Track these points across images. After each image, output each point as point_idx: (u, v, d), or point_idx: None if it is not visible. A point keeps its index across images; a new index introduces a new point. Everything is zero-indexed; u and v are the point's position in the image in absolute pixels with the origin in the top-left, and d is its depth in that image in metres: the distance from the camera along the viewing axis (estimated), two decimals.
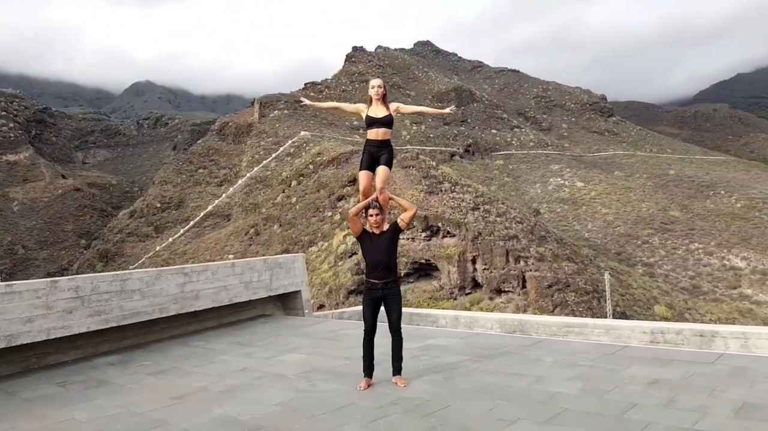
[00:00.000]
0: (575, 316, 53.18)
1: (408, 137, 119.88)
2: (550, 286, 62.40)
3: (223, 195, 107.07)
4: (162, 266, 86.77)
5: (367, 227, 5.76)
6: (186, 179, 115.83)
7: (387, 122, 6.00)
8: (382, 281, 5.58)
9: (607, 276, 62.80)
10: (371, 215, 5.68)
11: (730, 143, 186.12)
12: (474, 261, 65.31)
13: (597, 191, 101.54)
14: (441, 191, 76.75)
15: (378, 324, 5.66)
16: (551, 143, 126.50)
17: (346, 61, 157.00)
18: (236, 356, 7.12)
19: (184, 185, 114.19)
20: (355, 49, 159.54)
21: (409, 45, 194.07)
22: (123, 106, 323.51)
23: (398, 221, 5.80)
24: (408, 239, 68.96)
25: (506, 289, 63.32)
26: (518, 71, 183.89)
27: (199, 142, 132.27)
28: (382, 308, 5.69)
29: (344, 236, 76.13)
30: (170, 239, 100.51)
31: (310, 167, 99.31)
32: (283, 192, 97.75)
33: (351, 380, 5.71)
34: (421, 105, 7.21)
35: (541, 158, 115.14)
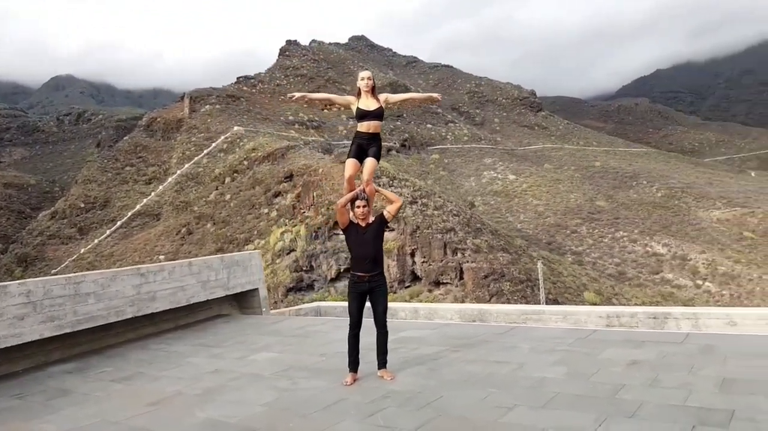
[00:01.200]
0: (510, 304, 54.65)
1: (344, 131, 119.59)
2: (486, 276, 64.02)
3: (152, 194, 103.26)
4: (87, 269, 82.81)
5: (353, 219, 5.67)
6: (112, 177, 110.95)
7: (378, 115, 5.92)
8: (369, 274, 5.51)
9: (540, 265, 65.00)
10: (358, 207, 5.60)
11: (651, 135, 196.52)
12: (413, 254, 66.09)
13: (528, 183, 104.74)
14: (379, 185, 76.98)
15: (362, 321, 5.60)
16: (484, 137, 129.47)
17: (280, 55, 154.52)
18: (204, 358, 6.86)
19: (110, 184, 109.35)
20: (289, 42, 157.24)
21: (343, 39, 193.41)
22: (41, 101, 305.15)
23: (384, 212, 5.75)
24: None
25: (444, 281, 64.46)
26: (452, 67, 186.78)
27: (125, 138, 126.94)
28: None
29: (281, 233, 75.19)
30: (96, 241, 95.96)
31: (245, 163, 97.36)
32: (217, 189, 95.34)
33: (333, 376, 5.62)
34: (407, 92, 7.03)
35: (475, 151, 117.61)
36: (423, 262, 65.91)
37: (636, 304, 69.67)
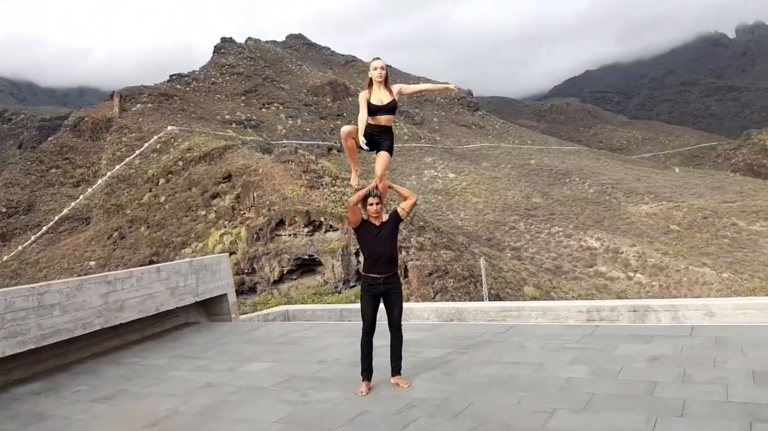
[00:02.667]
0: (455, 301, 55.43)
1: (284, 131, 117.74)
2: (430, 274, 64.51)
3: (81, 197, 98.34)
4: (11, 277, 78.10)
5: (365, 217, 5.32)
6: (36, 180, 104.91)
7: (391, 109, 5.58)
8: (384, 275, 5.20)
9: (482, 262, 66.11)
10: (371, 205, 5.26)
11: (582, 134, 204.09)
12: (357, 254, 65.71)
13: (467, 181, 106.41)
14: (322, 185, 76.09)
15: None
16: (424, 136, 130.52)
17: (214, 52, 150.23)
18: (188, 371, 6.34)
19: (34, 187, 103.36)
20: (224, 40, 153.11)
21: (280, 38, 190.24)
22: None
23: (398, 209, 5.43)
24: (290, 235, 67.89)
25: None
26: (390, 66, 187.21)
27: (50, 139, 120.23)
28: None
29: (221, 236, 73.20)
30: (19, 248, 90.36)
31: (180, 163, 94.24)
32: (150, 191, 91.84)
33: (342, 385, 5.27)
34: (422, 83, 6.70)
35: (416, 150, 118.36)
36: None
37: (573, 297, 72.13)
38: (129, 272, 7.85)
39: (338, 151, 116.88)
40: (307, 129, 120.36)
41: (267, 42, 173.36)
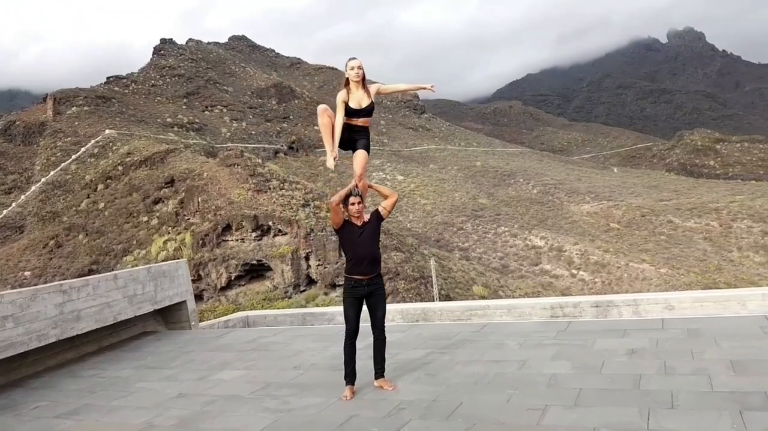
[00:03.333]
0: (406, 302, 55.71)
1: (228, 134, 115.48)
2: (382, 276, 64.66)
3: (14, 204, 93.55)
4: None
5: (346, 218, 5.18)
6: None
7: (369, 112, 5.44)
8: (368, 276, 5.09)
9: (432, 263, 66.66)
10: (353, 204, 5.13)
11: (524, 135, 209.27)
12: (307, 258, 65.08)
13: (416, 183, 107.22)
14: (269, 188, 75.01)
15: (348, 327, 5.12)
16: (372, 138, 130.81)
17: (154, 53, 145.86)
18: (155, 382, 6.04)
19: None
20: (163, 41, 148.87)
21: (223, 39, 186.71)
22: None
23: (380, 209, 5.33)
24: (237, 240, 66.65)
25: (340, 283, 64.03)
26: (336, 69, 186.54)
27: None
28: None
29: (164, 242, 71.08)
30: None
31: (119, 168, 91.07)
32: (88, 197, 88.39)
33: (323, 391, 5.12)
34: (402, 83, 6.46)
35: None
36: (318, 265, 65.13)
37: (520, 295, 73.80)
38: (85, 280, 7.42)
39: (285, 154, 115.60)
40: (253, 132, 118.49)
41: (209, 43, 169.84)
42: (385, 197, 5.44)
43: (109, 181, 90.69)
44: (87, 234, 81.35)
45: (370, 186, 5.57)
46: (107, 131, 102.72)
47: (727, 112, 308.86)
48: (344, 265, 5.43)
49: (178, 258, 68.74)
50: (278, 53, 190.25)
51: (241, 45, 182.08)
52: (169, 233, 74.60)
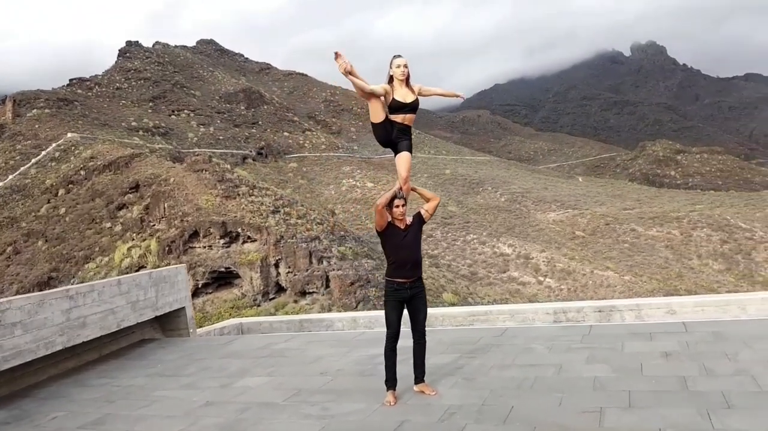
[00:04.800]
0: (378, 310, 55.62)
1: (195, 139, 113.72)
2: (352, 283, 64.24)
3: None
4: None
5: (389, 220, 5.10)
6: None
7: (415, 107, 5.37)
8: (410, 279, 5.01)
9: None
10: (397, 207, 5.06)
11: (492, 144, 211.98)
12: (277, 265, 64.37)
13: (386, 190, 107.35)
14: (238, 194, 74.08)
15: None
16: (342, 145, 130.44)
17: (119, 56, 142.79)
18: (176, 390, 5.83)
19: None
20: (129, 43, 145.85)
21: (191, 43, 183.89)
22: None
23: (422, 212, 5.26)
24: (205, 247, 65.62)
25: (311, 290, 63.60)
26: (306, 75, 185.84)
27: None
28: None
29: (128, 249, 69.44)
30: None
31: (82, 173, 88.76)
32: (49, 203, 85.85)
33: (361, 396, 5.02)
34: (439, 87, 6.45)
35: (334, 160, 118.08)
36: (288, 272, 64.49)
37: (489, 302, 74.43)
38: (90, 285, 7.13)
39: (253, 160, 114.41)
40: (221, 137, 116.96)
41: (176, 47, 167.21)
42: (428, 200, 5.39)
43: (70, 186, 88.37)
44: (47, 241, 78.94)
45: (413, 189, 5.51)
46: (69, 135, 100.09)
47: (687, 124, 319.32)
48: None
49: (143, 266, 67.45)
50: (247, 58, 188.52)
51: (209, 49, 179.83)
52: (133, 239, 72.97)
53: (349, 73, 5.30)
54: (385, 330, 4.92)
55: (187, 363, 6.95)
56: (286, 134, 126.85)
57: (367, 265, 67.88)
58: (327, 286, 63.63)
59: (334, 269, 64.40)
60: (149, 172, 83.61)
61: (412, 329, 5.09)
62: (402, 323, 5.06)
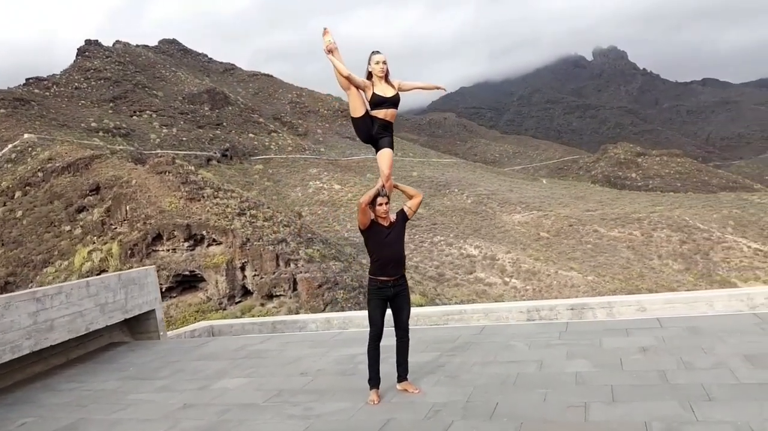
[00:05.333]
0: (345, 311, 55.43)
1: (158, 140, 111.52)
2: (320, 286, 63.92)
3: None
4: None
5: (372, 218, 5.05)
6: None
7: (396, 102, 5.31)
8: (394, 278, 4.97)
9: None
10: (380, 205, 5.01)
11: (458, 147, 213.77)
12: (243, 268, 63.63)
13: (353, 192, 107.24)
14: (203, 197, 72.97)
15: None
16: (308, 147, 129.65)
17: (78, 55, 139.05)
18: (151, 393, 5.66)
19: None
20: (89, 42, 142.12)
21: (153, 42, 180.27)
22: None
23: (405, 209, 5.23)
24: (169, 250, 64.48)
25: (278, 293, 63.05)
26: (272, 76, 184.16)
27: None
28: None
29: (89, 253, 67.73)
30: None
31: (39, 174, 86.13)
32: (5, 206, 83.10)
33: (344, 396, 4.96)
34: (419, 81, 6.27)
35: (300, 162, 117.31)
36: (254, 275, 63.81)
37: (456, 303, 74.98)
38: (58, 287, 6.88)
39: (218, 162, 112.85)
40: (184, 138, 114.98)
41: (137, 46, 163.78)
42: (411, 197, 5.36)
43: (27, 188, 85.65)
44: (3, 245, 76.37)
45: (395, 186, 5.47)
46: (26, 135, 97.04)
47: (647, 127, 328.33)
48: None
49: (104, 270, 65.87)
50: (211, 58, 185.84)
51: (171, 49, 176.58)
52: (94, 242, 71.22)
53: (330, 51, 5.27)
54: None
55: (161, 365, 6.76)
56: (251, 135, 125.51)
57: (334, 267, 67.64)
58: (294, 289, 63.18)
59: (301, 272, 63.96)
60: (110, 174, 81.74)
61: (396, 327, 5.07)
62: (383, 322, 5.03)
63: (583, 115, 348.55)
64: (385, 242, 5.02)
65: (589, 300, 9.67)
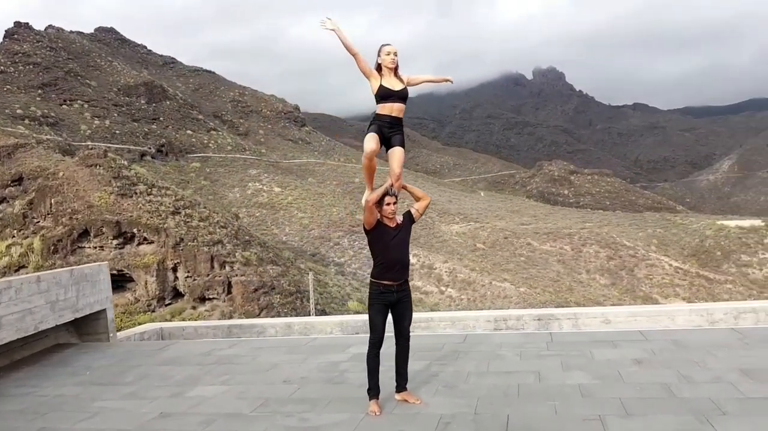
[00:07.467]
0: (281, 316, 54.52)
1: (89, 132, 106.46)
2: (256, 290, 62.58)
3: None
4: None
5: (379, 218, 4.77)
6: None
7: (404, 96, 5.06)
8: (398, 282, 4.71)
9: (311, 277, 65.87)
10: (388, 205, 4.75)
11: None
12: (175, 269, 61.49)
13: (293, 196, 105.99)
14: (136, 193, 70.14)
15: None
16: (249, 147, 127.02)
17: (5, 37, 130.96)
18: (118, 400, 5.16)
19: None
20: (18, 25, 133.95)
21: (88, 29, 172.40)
22: None
23: (412, 211, 4.99)
24: (96, 247, 61.61)
25: (211, 296, 61.27)
26: (214, 73, 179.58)
27: None
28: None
29: (7, 247, 63.76)
30: None
31: None
32: None
33: (341, 406, 4.67)
34: (427, 74, 6.01)
35: (239, 162, 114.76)
36: (187, 277, 61.78)
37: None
38: (7, 281, 6.20)
39: (152, 158, 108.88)
40: (117, 132, 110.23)
41: (71, 32, 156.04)
42: (419, 199, 5.13)
43: None
44: None
45: (403, 187, 5.23)
46: None
47: (580, 146, 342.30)
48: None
49: (24, 266, 62.14)
50: (150, 50, 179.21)
51: (108, 37, 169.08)
52: (14, 236, 67.15)
53: (332, 30, 5.05)
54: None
55: (122, 370, 6.21)
56: (189, 132, 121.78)
57: (272, 271, 66.40)
58: (229, 292, 61.58)
59: (237, 275, 62.41)
60: (35, 164, 77.35)
61: (396, 334, 4.82)
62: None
63: (521, 131, 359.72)
64: (391, 244, 4.78)
65: (555, 311, 9.71)
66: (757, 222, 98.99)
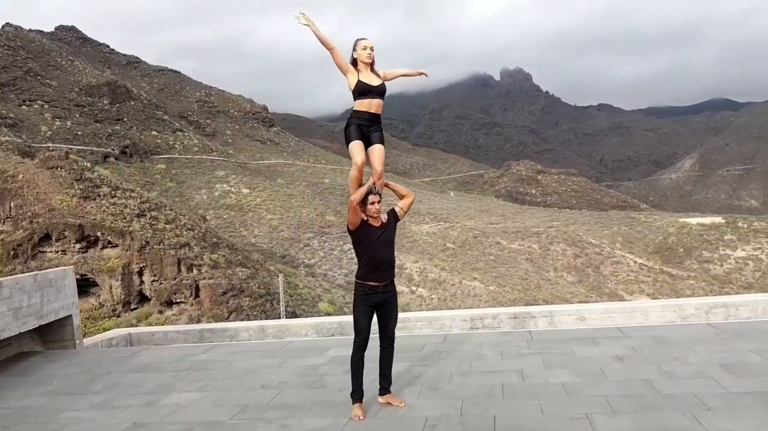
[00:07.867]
0: (251, 320, 53.88)
1: (49, 133, 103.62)
2: (225, 293, 61.76)
3: None
4: None
5: (363, 218, 4.65)
6: None
7: (382, 92, 4.92)
8: (384, 283, 4.60)
9: (281, 279, 65.32)
10: (372, 204, 4.61)
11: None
12: (141, 273, 60.30)
13: (262, 197, 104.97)
14: (99, 195, 68.58)
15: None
16: (216, 148, 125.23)
17: None
18: (88, 410, 4.94)
19: None
20: None
21: (48, 28, 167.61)
22: None
23: (396, 209, 4.86)
24: (58, 251, 60.06)
25: (178, 300, 60.25)
26: (180, 72, 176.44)
27: None
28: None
29: None
30: None
31: None
32: None
33: (322, 411, 4.54)
34: (403, 68, 5.76)
35: (206, 163, 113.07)
36: (153, 281, 60.64)
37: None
38: None
39: (116, 159, 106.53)
40: (79, 133, 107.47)
41: (31, 31, 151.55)
42: (402, 197, 5.01)
43: None
44: None
45: (386, 185, 5.11)
46: None
47: (547, 146, 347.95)
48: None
49: None
50: (113, 49, 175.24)
51: (69, 36, 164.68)
52: None
53: (307, 25, 4.90)
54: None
55: (90, 378, 5.95)
56: (154, 132, 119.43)
57: (240, 274, 65.58)
58: (197, 295, 60.63)
59: (204, 278, 61.48)
60: None
61: (381, 336, 4.72)
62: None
63: (489, 132, 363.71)
64: (376, 243, 4.66)
65: (531, 309, 9.74)
66: (718, 219, 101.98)
